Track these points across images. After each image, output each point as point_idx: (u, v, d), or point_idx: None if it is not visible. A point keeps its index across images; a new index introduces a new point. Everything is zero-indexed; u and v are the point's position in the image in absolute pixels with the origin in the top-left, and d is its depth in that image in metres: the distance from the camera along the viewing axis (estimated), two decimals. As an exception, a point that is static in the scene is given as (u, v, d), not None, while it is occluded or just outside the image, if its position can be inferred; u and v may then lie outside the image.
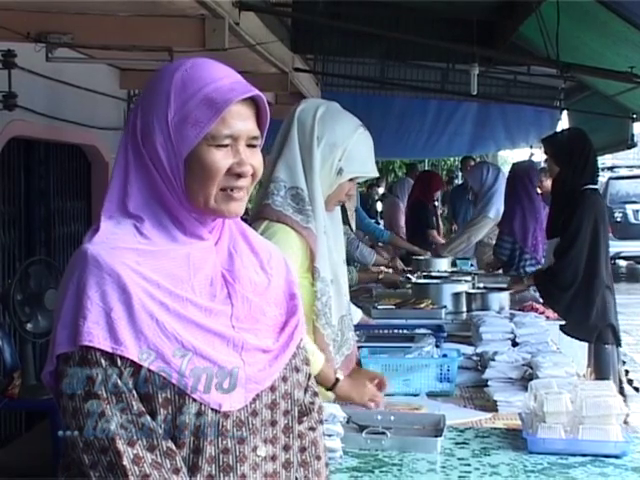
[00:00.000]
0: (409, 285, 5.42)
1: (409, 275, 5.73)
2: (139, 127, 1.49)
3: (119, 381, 1.40)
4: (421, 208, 8.31)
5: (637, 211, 17.04)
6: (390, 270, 5.77)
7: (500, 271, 6.39)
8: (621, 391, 4.41)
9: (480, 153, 10.90)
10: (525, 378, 3.02)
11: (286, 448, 1.57)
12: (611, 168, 18.48)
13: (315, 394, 1.68)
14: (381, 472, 2.29)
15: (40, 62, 4.80)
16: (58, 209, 6.07)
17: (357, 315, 3.77)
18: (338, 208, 2.85)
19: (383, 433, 2.48)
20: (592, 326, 4.56)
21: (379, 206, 17.67)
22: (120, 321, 1.40)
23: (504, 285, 5.19)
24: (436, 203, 9.03)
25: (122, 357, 1.40)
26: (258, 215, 2.64)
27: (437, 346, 3.49)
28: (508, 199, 6.45)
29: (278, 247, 2.41)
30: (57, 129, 5.65)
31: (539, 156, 11.18)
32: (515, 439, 2.55)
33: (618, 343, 4.74)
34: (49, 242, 5.92)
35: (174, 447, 1.42)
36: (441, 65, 8.70)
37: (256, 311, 1.55)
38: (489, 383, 3.07)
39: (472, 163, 9.87)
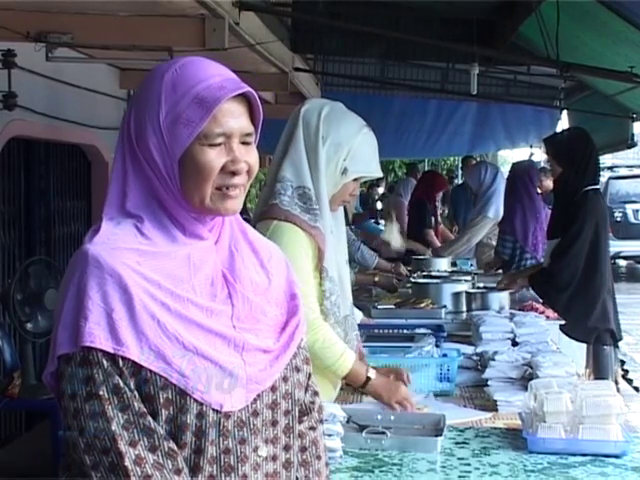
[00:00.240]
0: (409, 285, 5.42)
1: (411, 278, 5.72)
2: (133, 129, 1.49)
3: (120, 382, 1.40)
4: (421, 207, 8.31)
5: (637, 211, 17.04)
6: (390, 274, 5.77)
7: (500, 271, 6.39)
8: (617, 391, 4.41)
9: (480, 153, 10.90)
10: (525, 378, 3.02)
11: (287, 448, 1.57)
12: (611, 168, 18.49)
13: (315, 393, 1.68)
14: (381, 472, 2.29)
15: (40, 62, 4.81)
16: (58, 209, 6.08)
17: (357, 317, 3.77)
18: (341, 208, 2.85)
19: (383, 433, 2.48)
20: (591, 328, 4.55)
21: (379, 206, 17.67)
22: (121, 322, 1.40)
23: (501, 284, 5.16)
24: (437, 203, 9.03)
25: (123, 358, 1.40)
26: (265, 215, 2.64)
27: (437, 346, 3.49)
28: (508, 198, 6.45)
29: (288, 247, 2.43)
30: (57, 129, 5.65)
31: (539, 156, 11.20)
32: (515, 439, 2.55)
33: (616, 345, 4.74)
34: (49, 242, 5.93)
35: (175, 448, 1.42)
36: (441, 65, 8.70)
37: (257, 311, 1.55)
38: (489, 383, 3.07)
39: (473, 162, 9.87)
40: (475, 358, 3.44)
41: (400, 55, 7.64)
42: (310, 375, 1.67)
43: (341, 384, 2.87)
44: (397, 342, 3.65)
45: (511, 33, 6.07)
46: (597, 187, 4.70)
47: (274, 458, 1.54)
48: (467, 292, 4.87)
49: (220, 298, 1.51)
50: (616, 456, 2.40)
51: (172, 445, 1.42)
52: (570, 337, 4.53)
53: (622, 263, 17.42)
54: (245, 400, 1.49)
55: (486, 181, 7.33)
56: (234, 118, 1.48)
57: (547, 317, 4.34)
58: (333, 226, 2.72)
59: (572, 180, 4.60)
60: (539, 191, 6.65)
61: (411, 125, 9.86)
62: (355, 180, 2.73)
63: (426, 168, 20.13)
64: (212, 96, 1.45)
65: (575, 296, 4.52)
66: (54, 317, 1.46)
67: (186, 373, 1.43)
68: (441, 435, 2.49)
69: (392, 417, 2.62)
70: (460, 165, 23.22)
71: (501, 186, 6.91)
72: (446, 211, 11.61)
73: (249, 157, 1.51)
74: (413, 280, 5.46)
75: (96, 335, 1.39)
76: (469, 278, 5.43)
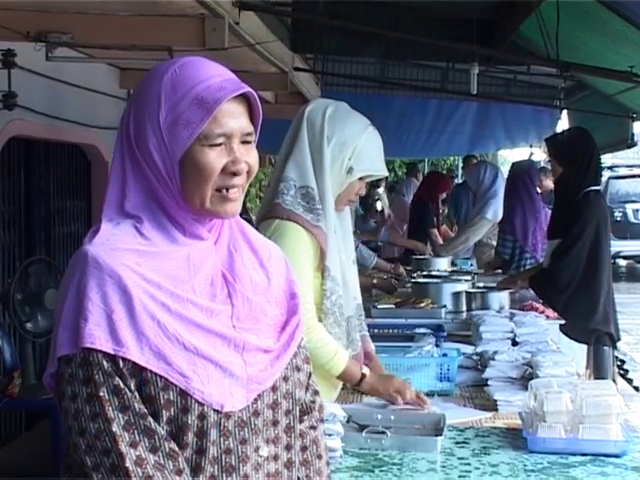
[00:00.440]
0: (409, 285, 5.42)
1: (409, 278, 5.73)
2: (132, 129, 1.49)
3: (121, 383, 1.40)
4: (423, 207, 8.33)
5: (637, 210, 17.05)
6: (386, 276, 5.79)
7: (499, 270, 6.39)
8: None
9: (480, 152, 10.88)
10: (525, 377, 3.02)
11: (288, 448, 1.57)
12: (611, 167, 18.47)
13: (316, 393, 1.68)
14: (381, 471, 2.29)
15: (40, 61, 4.80)
16: (58, 208, 6.07)
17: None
18: (347, 209, 2.85)
19: (383, 432, 2.48)
20: (592, 330, 4.55)
21: (379, 206, 17.65)
22: (121, 322, 1.40)
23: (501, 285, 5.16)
24: (440, 204, 9.06)
25: (124, 359, 1.40)
26: (268, 214, 2.64)
27: (437, 345, 3.49)
28: (508, 198, 6.45)
29: (289, 246, 2.43)
30: (57, 128, 5.65)
31: (539, 155, 11.19)
32: (515, 438, 2.55)
33: (615, 346, 4.74)
34: (49, 241, 5.93)
35: (176, 448, 1.42)
36: (441, 64, 8.69)
37: (257, 311, 1.55)
38: (489, 382, 3.07)
39: (474, 162, 9.87)
40: (475, 358, 3.44)
41: (400, 55, 7.64)
42: (311, 374, 1.67)
43: (342, 384, 2.87)
44: (397, 342, 3.65)
45: (511, 33, 6.07)
46: (598, 188, 4.69)
47: (275, 458, 1.54)
48: (467, 292, 4.87)
49: (220, 298, 1.51)
50: (616, 456, 2.40)
51: (173, 446, 1.42)
52: (570, 338, 4.53)
53: (622, 263, 17.42)
54: (246, 400, 1.49)
55: (485, 181, 7.34)
56: (234, 118, 1.48)
57: (547, 317, 4.34)
58: (338, 226, 2.71)
59: (573, 180, 4.60)
60: (539, 191, 6.64)
61: (411, 125, 9.86)
62: (361, 179, 2.72)
63: (426, 168, 20.13)
64: (212, 97, 1.45)
65: (576, 297, 4.51)
66: (54, 318, 1.46)
67: (187, 374, 1.42)
68: (441, 435, 2.49)
69: (392, 417, 2.62)
70: (460, 165, 23.23)
71: (501, 187, 6.91)
72: (446, 211, 11.62)
73: (249, 157, 1.51)
74: (413, 280, 5.46)
75: (96, 336, 1.39)
76: (469, 278, 5.43)
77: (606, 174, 16.89)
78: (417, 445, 2.46)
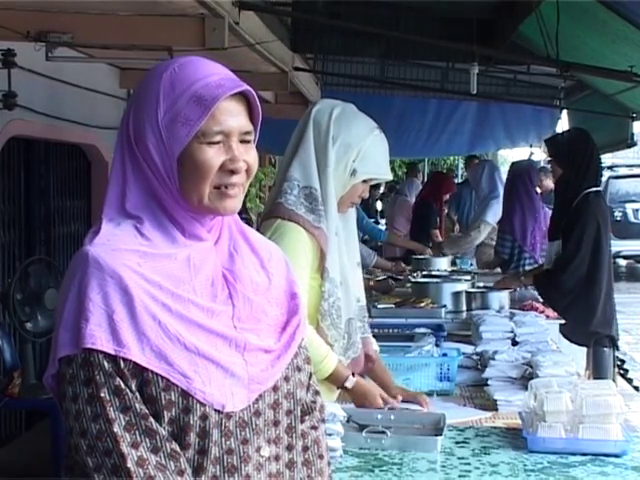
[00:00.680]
0: (409, 285, 5.42)
1: (410, 277, 5.74)
2: (132, 129, 1.49)
3: (122, 383, 1.39)
4: (427, 207, 8.34)
5: (637, 210, 17.05)
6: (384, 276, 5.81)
7: (499, 270, 6.39)
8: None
9: (480, 152, 10.86)
10: (525, 377, 3.02)
11: (289, 448, 1.57)
12: (611, 167, 18.48)
13: (317, 393, 1.68)
14: (381, 471, 2.30)
15: (40, 61, 4.80)
16: (58, 208, 6.08)
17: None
18: (352, 211, 2.84)
19: (383, 432, 2.48)
20: (591, 333, 4.56)
21: (379, 206, 17.67)
22: (122, 323, 1.40)
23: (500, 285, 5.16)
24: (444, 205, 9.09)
25: (125, 359, 1.40)
26: (271, 213, 2.64)
27: (437, 345, 3.49)
28: (508, 198, 6.45)
29: (289, 246, 2.43)
30: (57, 128, 5.65)
31: (539, 155, 11.19)
32: (515, 438, 2.55)
33: (615, 347, 4.74)
34: (49, 241, 5.93)
35: (178, 449, 1.42)
36: (441, 64, 8.68)
37: (257, 311, 1.55)
38: (489, 382, 3.07)
39: (476, 161, 9.88)
40: (475, 357, 3.44)
41: (400, 55, 7.64)
42: (311, 374, 1.67)
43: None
44: (397, 341, 3.65)
45: (511, 33, 6.06)
46: (598, 189, 4.69)
47: (277, 458, 1.54)
48: (467, 292, 4.87)
49: (221, 299, 1.51)
50: (616, 455, 2.40)
51: (174, 446, 1.41)
52: (570, 341, 4.53)
53: (622, 262, 17.42)
54: (247, 400, 1.49)
55: (483, 181, 7.36)
56: (233, 116, 1.48)
57: (547, 317, 4.34)
58: (340, 228, 2.71)
59: (573, 181, 4.60)
60: (539, 191, 6.64)
61: (411, 125, 9.85)
62: (364, 182, 2.72)
63: (426, 168, 20.14)
64: (210, 94, 1.45)
65: (576, 300, 4.52)
66: (55, 319, 1.46)
67: (188, 374, 1.42)
68: (441, 434, 2.49)
69: (392, 417, 2.62)
70: (460, 164, 23.23)
71: (501, 189, 6.93)
72: (446, 210, 11.63)
73: (248, 156, 1.50)
74: (413, 280, 5.46)
75: (97, 337, 1.39)
76: (469, 277, 5.43)
77: (606, 174, 16.89)
78: (417, 445, 2.46)
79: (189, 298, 1.46)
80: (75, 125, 5.88)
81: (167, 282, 1.45)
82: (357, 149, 2.64)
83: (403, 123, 9.70)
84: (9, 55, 4.65)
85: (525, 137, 10.30)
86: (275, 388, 1.54)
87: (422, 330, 3.82)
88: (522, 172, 6.39)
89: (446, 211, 9.75)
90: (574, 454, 2.41)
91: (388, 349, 3.36)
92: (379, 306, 4.69)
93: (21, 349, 4.74)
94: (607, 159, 18.86)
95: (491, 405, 2.91)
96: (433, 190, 8.47)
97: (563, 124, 8.83)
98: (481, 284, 5.33)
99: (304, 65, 7.31)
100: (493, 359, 3.16)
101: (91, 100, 6.12)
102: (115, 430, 1.38)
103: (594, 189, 4.61)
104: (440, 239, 8.20)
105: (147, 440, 1.39)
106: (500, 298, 4.71)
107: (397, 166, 20.89)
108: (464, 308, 4.80)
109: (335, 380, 2.67)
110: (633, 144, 7.40)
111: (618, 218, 16.44)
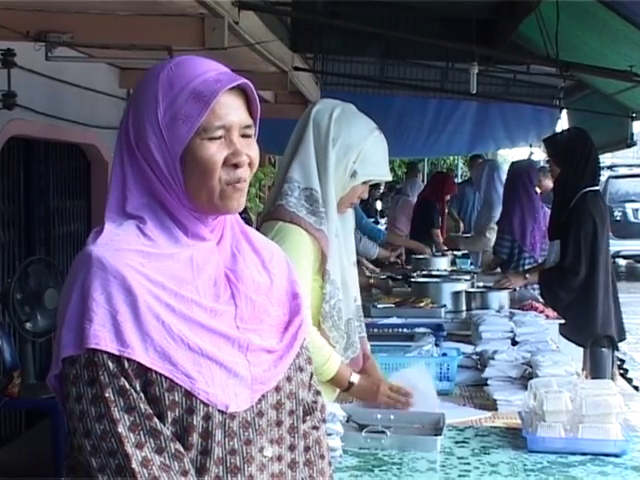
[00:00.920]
0: (409, 286, 5.43)
1: (408, 275, 5.75)
2: (132, 130, 1.49)
3: (126, 383, 1.39)
4: (429, 207, 8.35)
5: (636, 210, 17.05)
6: (380, 274, 5.85)
7: (498, 270, 6.39)
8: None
9: (480, 152, 10.87)
10: (525, 377, 3.02)
11: (291, 448, 1.57)
12: (610, 167, 18.48)
13: (318, 393, 1.68)
14: (381, 471, 2.30)
15: (40, 61, 4.80)
16: (58, 208, 6.08)
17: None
18: (350, 211, 2.84)
19: (383, 432, 2.48)
20: (588, 334, 4.56)
21: (379, 206, 17.68)
22: (126, 323, 1.39)
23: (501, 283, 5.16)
24: (446, 204, 9.12)
25: (129, 359, 1.39)
26: (271, 215, 2.63)
27: (437, 345, 3.49)
28: (507, 198, 6.46)
29: (290, 249, 2.42)
30: (57, 128, 5.65)
31: (538, 155, 11.18)
32: (515, 438, 2.55)
33: (615, 347, 4.74)
34: (49, 241, 5.93)
35: (182, 449, 1.42)
36: (440, 64, 8.68)
37: (260, 311, 1.55)
38: (489, 382, 3.07)
39: (479, 161, 9.89)
40: (475, 357, 3.44)
41: (400, 54, 7.64)
42: (312, 375, 1.67)
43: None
44: (397, 341, 3.65)
45: (511, 32, 6.07)
46: (597, 188, 4.69)
47: (279, 458, 1.54)
48: (467, 291, 4.87)
49: (223, 299, 1.51)
50: (616, 455, 2.40)
51: (178, 447, 1.41)
52: (568, 340, 4.54)
53: (622, 262, 17.42)
54: (250, 401, 1.49)
55: (484, 182, 7.38)
56: (233, 110, 1.48)
57: (547, 316, 4.34)
58: (340, 229, 2.71)
59: (571, 181, 4.60)
60: (538, 190, 6.65)
61: (411, 124, 9.86)
62: (364, 183, 2.72)
63: (426, 167, 20.14)
64: (209, 89, 1.45)
65: (576, 299, 4.52)
66: (57, 319, 1.45)
67: (191, 374, 1.42)
68: (441, 434, 2.49)
69: (392, 416, 2.62)
70: (460, 164, 23.23)
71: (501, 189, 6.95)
72: (447, 210, 11.63)
73: (250, 150, 1.51)
74: (413, 279, 5.46)
75: (101, 337, 1.38)
76: (469, 277, 5.44)
77: (606, 173, 16.91)
78: (417, 445, 2.46)
79: (192, 298, 1.46)
80: (75, 125, 5.88)
81: (170, 282, 1.45)
82: (357, 150, 2.64)
83: (403, 123, 9.71)
84: (9, 55, 4.65)
85: (525, 137, 10.31)
86: (278, 388, 1.54)
87: (422, 330, 3.82)
88: (522, 172, 6.40)
89: (447, 211, 9.77)
90: (574, 454, 2.41)
91: (388, 349, 3.36)
92: (379, 306, 4.69)
93: (21, 349, 4.75)
94: (607, 159, 18.87)
95: (491, 405, 2.91)
96: (435, 190, 8.48)
97: (563, 124, 8.84)
98: (481, 284, 5.33)
99: (304, 65, 7.31)
100: (493, 359, 3.16)
101: (91, 100, 6.12)
102: (120, 430, 1.37)
103: (592, 188, 4.61)
104: (441, 239, 8.21)
105: (151, 440, 1.39)
106: (500, 298, 4.71)
107: (397, 166, 20.89)
108: (464, 308, 4.80)
109: (338, 382, 2.68)
110: (633, 144, 7.40)
111: (618, 218, 16.45)
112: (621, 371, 5.27)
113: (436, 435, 2.50)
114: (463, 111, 9.85)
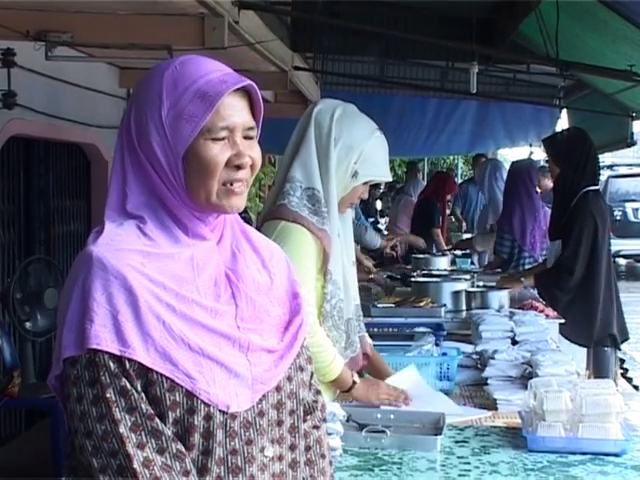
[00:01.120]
0: (408, 286, 5.43)
1: (408, 274, 5.77)
2: (134, 129, 1.48)
3: (127, 384, 1.39)
4: (431, 207, 8.36)
5: (636, 209, 17.06)
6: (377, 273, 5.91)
7: (499, 269, 6.39)
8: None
9: (480, 151, 10.88)
10: (525, 376, 3.02)
11: (292, 448, 1.57)
12: (610, 166, 18.49)
13: (318, 392, 1.68)
14: (381, 470, 2.30)
15: (39, 61, 4.80)
16: (57, 208, 6.08)
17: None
18: (349, 211, 2.84)
19: (383, 431, 2.48)
20: (592, 333, 4.55)
21: (379, 205, 17.68)
22: (127, 323, 1.39)
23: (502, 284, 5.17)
24: (447, 204, 9.13)
25: (130, 360, 1.39)
26: (273, 215, 2.62)
27: (437, 344, 3.49)
28: (507, 197, 6.46)
29: (293, 248, 2.43)
30: (56, 128, 5.65)
31: (538, 154, 11.18)
32: (515, 437, 2.55)
33: (617, 347, 4.73)
34: (48, 241, 5.93)
35: (183, 449, 1.42)
36: (440, 63, 8.68)
37: (260, 311, 1.55)
38: (489, 381, 3.07)
39: (482, 160, 9.90)
40: (475, 357, 3.44)
41: (400, 54, 7.64)
42: (313, 374, 1.67)
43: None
44: (397, 341, 3.64)
45: (511, 32, 6.07)
46: (597, 188, 4.69)
47: (280, 458, 1.54)
48: (467, 291, 4.87)
49: (224, 298, 1.50)
50: (616, 454, 2.40)
51: (180, 447, 1.41)
52: (570, 341, 4.53)
53: (622, 262, 17.43)
54: (251, 400, 1.49)
55: (489, 180, 7.39)
56: (237, 112, 1.48)
57: (547, 316, 4.33)
58: (340, 228, 2.71)
59: (570, 180, 4.60)
60: (539, 190, 6.65)
61: (411, 124, 9.86)
62: (364, 183, 2.72)
63: (426, 167, 20.13)
64: (214, 90, 1.45)
65: (576, 299, 4.52)
66: (58, 319, 1.45)
67: (192, 374, 1.42)
68: (441, 434, 2.49)
69: (392, 416, 2.62)
70: (460, 164, 23.22)
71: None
72: (448, 211, 11.65)
73: (252, 151, 1.51)
74: (413, 279, 5.46)
75: (102, 337, 1.38)
76: (469, 277, 5.43)
77: (606, 173, 16.92)
78: (417, 444, 2.46)
79: (193, 298, 1.46)
80: (75, 124, 5.88)
81: (171, 282, 1.44)
82: (359, 151, 2.64)
83: (403, 122, 9.72)
84: (9, 54, 4.66)
85: (525, 136, 10.31)
86: (278, 388, 1.54)
87: (422, 329, 3.82)
88: (522, 171, 6.40)
89: (448, 211, 9.78)
90: (574, 453, 2.41)
91: (388, 348, 3.36)
92: (379, 305, 4.69)
93: (21, 348, 4.75)
94: (607, 158, 18.88)
95: (491, 404, 2.91)
96: (436, 189, 8.49)
97: (563, 123, 8.85)
98: (481, 283, 5.33)
99: (304, 64, 7.31)
100: (493, 358, 3.16)
101: (91, 99, 6.12)
102: (121, 431, 1.37)
103: (593, 188, 4.61)
104: (441, 238, 8.22)
105: (153, 441, 1.39)
106: (500, 297, 4.71)
107: (397, 165, 20.90)
108: (464, 307, 4.80)
109: (341, 382, 2.68)
110: (633, 143, 7.40)
111: (618, 217, 16.46)
112: (621, 371, 5.27)
113: (436, 435, 2.50)
114: (463, 111, 9.86)
